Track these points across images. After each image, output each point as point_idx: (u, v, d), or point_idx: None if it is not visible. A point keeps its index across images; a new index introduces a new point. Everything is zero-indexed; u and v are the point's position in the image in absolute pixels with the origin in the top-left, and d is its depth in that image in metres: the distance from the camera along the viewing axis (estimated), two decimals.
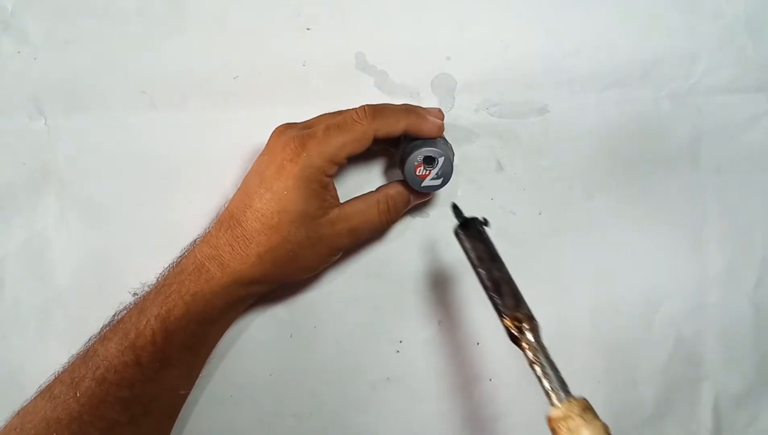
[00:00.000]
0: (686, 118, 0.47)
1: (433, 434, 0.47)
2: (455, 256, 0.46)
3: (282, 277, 0.41)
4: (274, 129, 0.40)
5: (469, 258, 0.37)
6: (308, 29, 0.44)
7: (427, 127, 0.40)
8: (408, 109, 0.40)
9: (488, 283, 0.36)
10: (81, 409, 0.37)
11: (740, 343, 0.48)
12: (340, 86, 0.45)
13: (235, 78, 0.44)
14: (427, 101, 0.45)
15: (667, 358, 0.48)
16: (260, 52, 0.44)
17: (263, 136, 0.40)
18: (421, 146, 0.40)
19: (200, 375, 0.43)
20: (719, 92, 0.46)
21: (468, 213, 0.41)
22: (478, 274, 0.37)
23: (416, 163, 0.40)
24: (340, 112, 0.41)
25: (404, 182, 0.42)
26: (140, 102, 0.44)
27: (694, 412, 0.48)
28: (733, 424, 0.48)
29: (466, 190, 0.45)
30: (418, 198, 0.43)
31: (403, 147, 0.41)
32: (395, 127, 0.39)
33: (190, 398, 0.43)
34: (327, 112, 0.42)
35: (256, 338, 0.45)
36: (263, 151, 0.40)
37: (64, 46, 0.43)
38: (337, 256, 0.42)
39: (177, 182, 0.44)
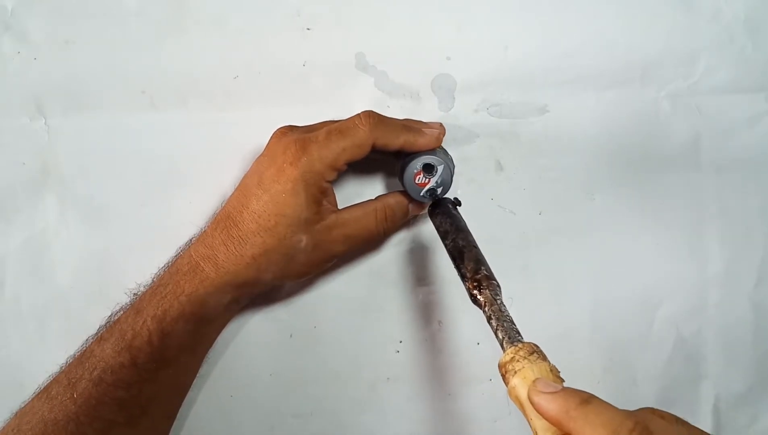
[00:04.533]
0: (686, 118, 0.47)
1: (433, 434, 0.47)
2: None
3: (275, 279, 0.40)
4: (274, 131, 0.40)
5: (439, 233, 0.40)
6: (308, 29, 0.44)
7: (423, 142, 0.40)
8: (407, 126, 0.40)
9: (454, 252, 0.38)
10: (78, 410, 0.37)
11: (740, 343, 0.48)
12: (340, 86, 0.44)
13: (235, 78, 0.44)
14: (427, 101, 0.45)
15: (667, 358, 0.48)
16: (260, 52, 0.44)
17: (263, 137, 0.40)
18: (419, 155, 0.41)
19: (199, 375, 0.43)
20: (719, 92, 0.46)
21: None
22: (445, 246, 0.39)
23: (416, 171, 0.41)
24: (343, 120, 0.41)
25: (404, 193, 0.42)
26: (140, 102, 0.44)
27: (694, 412, 0.48)
28: (733, 424, 0.48)
29: (466, 190, 0.45)
30: (417, 209, 0.43)
31: (403, 157, 0.41)
32: (394, 141, 0.39)
33: (189, 398, 0.43)
34: (327, 111, 0.43)
35: (256, 338, 0.45)
36: (263, 152, 0.40)
37: (64, 46, 0.43)
38: (331, 263, 0.42)
39: (177, 182, 0.44)
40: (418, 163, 0.40)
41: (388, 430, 0.47)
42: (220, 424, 0.46)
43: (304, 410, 0.46)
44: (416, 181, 0.41)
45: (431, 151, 0.41)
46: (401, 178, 0.41)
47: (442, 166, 0.41)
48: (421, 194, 0.41)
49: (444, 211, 0.41)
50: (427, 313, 0.46)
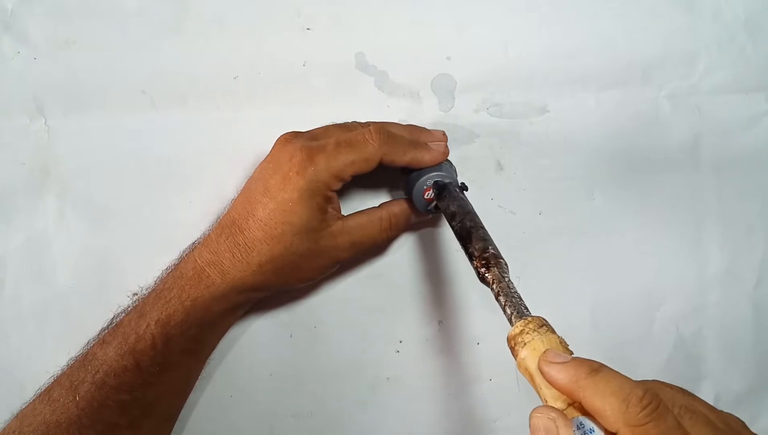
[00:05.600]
0: (686, 118, 0.47)
1: (433, 434, 0.47)
2: (455, 255, 0.46)
3: (280, 285, 0.41)
4: (279, 137, 0.40)
5: (446, 215, 0.40)
6: (308, 29, 0.44)
7: (429, 158, 0.41)
8: (414, 143, 0.41)
9: (461, 233, 0.38)
10: (80, 412, 0.37)
11: (740, 343, 0.48)
12: (340, 86, 0.44)
13: (235, 78, 0.44)
14: (427, 101, 0.45)
15: (667, 358, 0.48)
16: (260, 52, 0.44)
17: (263, 137, 0.40)
18: (429, 171, 0.41)
19: (200, 376, 0.43)
20: (719, 92, 0.47)
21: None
22: (452, 227, 0.39)
23: (425, 188, 0.41)
24: (349, 128, 0.41)
25: (407, 200, 0.42)
26: (140, 102, 0.44)
27: None
28: None
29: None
30: (420, 216, 0.43)
31: (410, 169, 0.42)
32: (401, 158, 0.40)
33: (190, 399, 0.43)
34: (327, 112, 0.43)
35: (257, 339, 0.45)
36: (267, 158, 0.40)
37: (64, 46, 0.43)
38: (336, 268, 0.43)
39: (177, 182, 0.44)
40: (428, 180, 0.41)
41: (388, 430, 0.47)
42: (220, 425, 0.46)
43: (303, 410, 0.46)
44: (425, 197, 0.41)
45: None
46: (408, 192, 0.42)
47: (449, 182, 0.41)
48: (429, 208, 0.42)
49: (452, 195, 0.41)
50: (427, 313, 0.46)
